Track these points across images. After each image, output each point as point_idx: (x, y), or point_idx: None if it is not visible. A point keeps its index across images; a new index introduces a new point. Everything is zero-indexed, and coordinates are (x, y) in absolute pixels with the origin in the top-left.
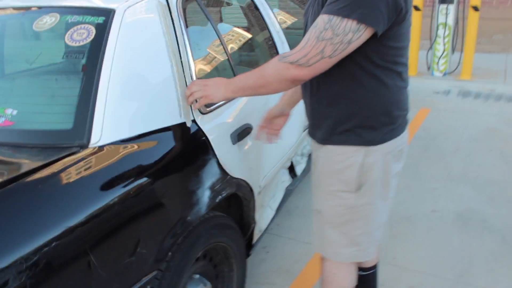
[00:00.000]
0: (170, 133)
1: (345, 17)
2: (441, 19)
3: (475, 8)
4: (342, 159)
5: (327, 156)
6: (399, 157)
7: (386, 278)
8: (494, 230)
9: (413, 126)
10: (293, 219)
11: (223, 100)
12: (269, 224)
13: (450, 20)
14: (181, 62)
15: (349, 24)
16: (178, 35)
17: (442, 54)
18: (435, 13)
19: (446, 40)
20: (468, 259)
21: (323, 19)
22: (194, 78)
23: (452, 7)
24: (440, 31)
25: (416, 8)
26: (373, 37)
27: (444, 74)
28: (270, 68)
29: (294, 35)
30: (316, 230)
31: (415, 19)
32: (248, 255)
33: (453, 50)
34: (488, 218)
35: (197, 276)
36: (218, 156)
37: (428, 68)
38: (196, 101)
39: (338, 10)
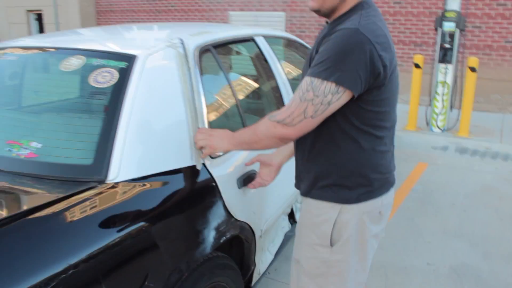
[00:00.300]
0: (181, 174)
1: (325, 79)
2: (440, 77)
3: (473, 69)
4: (319, 214)
5: (307, 209)
6: (378, 219)
7: None
8: (488, 286)
9: (411, 180)
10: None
11: (225, 152)
12: (267, 268)
13: (449, 79)
14: (195, 108)
15: (328, 86)
16: (193, 83)
17: (440, 111)
18: (435, 71)
19: (445, 97)
20: None
21: (306, 80)
22: (206, 124)
23: (451, 67)
24: (439, 89)
25: (417, 66)
26: (353, 100)
27: (443, 131)
28: (261, 126)
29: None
30: (293, 279)
31: (416, 76)
32: None
33: (451, 107)
34: (482, 273)
35: None
36: (224, 199)
37: (427, 124)
38: (202, 148)
39: (319, 72)
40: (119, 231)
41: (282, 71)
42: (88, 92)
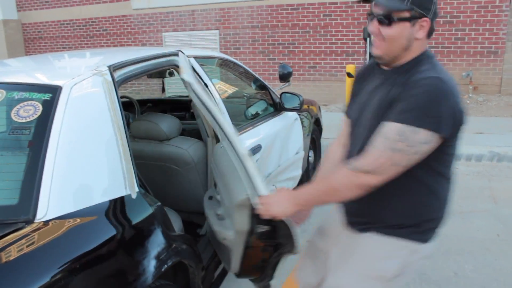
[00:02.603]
0: (115, 205)
1: (419, 127)
2: None
3: None
4: (387, 249)
5: (370, 243)
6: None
7: None
8: (431, 281)
9: None
10: (240, 285)
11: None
12: None
13: None
14: (126, 135)
15: (423, 134)
16: (122, 110)
17: None
18: None
19: None
20: None
21: (394, 129)
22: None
23: None
24: None
25: (349, 75)
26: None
27: None
28: (340, 177)
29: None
30: None
31: (349, 85)
32: None
33: None
34: (425, 269)
35: None
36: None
37: None
38: None
39: (412, 120)
40: (50, 271)
41: (214, 89)
42: (10, 127)
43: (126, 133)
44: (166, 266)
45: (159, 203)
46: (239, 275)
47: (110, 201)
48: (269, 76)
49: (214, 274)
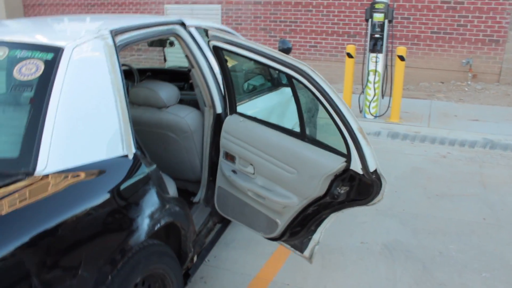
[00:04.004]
0: (111, 164)
1: None
2: (372, 66)
3: (401, 58)
4: None
5: None
6: None
7: None
8: (416, 259)
9: None
10: (230, 251)
11: None
12: (207, 256)
13: (380, 67)
14: (126, 99)
15: None
16: (122, 74)
17: (372, 98)
18: (366, 60)
19: (376, 85)
20: (393, 286)
21: None
22: None
23: (381, 56)
24: (371, 77)
25: (349, 56)
26: None
27: (375, 117)
28: None
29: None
30: None
31: (349, 65)
32: (186, 283)
33: (383, 95)
34: (411, 248)
35: None
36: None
37: (360, 111)
38: None
39: None
40: (49, 222)
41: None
42: (12, 84)
43: (125, 97)
44: (159, 225)
45: (155, 166)
46: (278, 238)
47: (107, 160)
48: None
49: (205, 240)
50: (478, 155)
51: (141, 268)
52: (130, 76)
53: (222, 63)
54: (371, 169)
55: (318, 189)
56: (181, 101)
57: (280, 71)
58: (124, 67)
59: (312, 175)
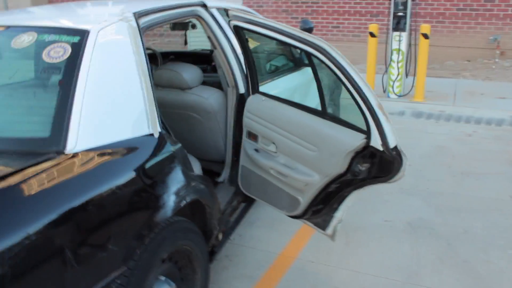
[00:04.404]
0: (138, 142)
1: None
2: (395, 45)
3: (425, 36)
4: None
5: None
6: None
7: (340, 281)
8: (440, 236)
9: None
10: (254, 230)
11: None
12: (231, 234)
13: (403, 46)
14: (150, 79)
15: None
16: (146, 55)
17: (396, 78)
18: (389, 40)
19: (400, 65)
20: (416, 263)
21: None
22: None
23: (404, 34)
24: (394, 57)
25: (372, 35)
26: None
27: (399, 96)
28: None
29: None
30: None
31: (371, 45)
32: (211, 260)
33: (406, 74)
34: (435, 226)
35: (163, 277)
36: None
37: (384, 91)
38: None
39: None
40: (80, 198)
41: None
42: (41, 67)
43: (150, 77)
44: (184, 202)
45: (180, 144)
46: (300, 216)
47: (134, 138)
48: None
49: (230, 218)
50: (505, 133)
51: (167, 244)
52: (154, 59)
53: (243, 42)
54: (391, 145)
55: (339, 166)
56: (205, 83)
57: (299, 48)
58: (147, 51)
59: (333, 152)
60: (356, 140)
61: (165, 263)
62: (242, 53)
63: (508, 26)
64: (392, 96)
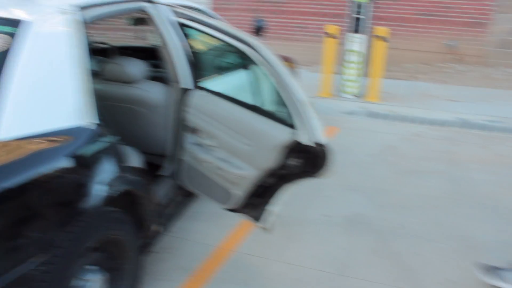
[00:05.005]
0: (69, 132)
1: None
2: (353, 46)
3: (381, 38)
4: None
5: None
6: None
7: (273, 273)
8: (375, 230)
9: None
10: (196, 223)
11: None
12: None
13: (361, 48)
14: (89, 72)
15: None
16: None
17: (353, 79)
18: (348, 41)
19: (357, 66)
20: (349, 255)
21: None
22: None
23: (362, 37)
24: (352, 58)
25: (329, 35)
26: None
27: (354, 97)
28: None
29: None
30: None
31: (331, 46)
32: (147, 251)
33: (364, 75)
34: (373, 221)
35: (94, 267)
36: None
37: (339, 91)
38: None
39: None
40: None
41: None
42: None
43: (89, 70)
44: (114, 192)
45: (115, 136)
46: (237, 209)
47: (66, 129)
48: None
49: (171, 212)
50: (451, 134)
51: (96, 233)
52: (110, 53)
53: (186, 39)
54: (319, 140)
55: (271, 160)
56: (156, 78)
57: (234, 45)
58: (102, 45)
59: (265, 146)
60: (286, 135)
61: (96, 252)
62: (185, 49)
63: (464, 32)
64: (348, 96)
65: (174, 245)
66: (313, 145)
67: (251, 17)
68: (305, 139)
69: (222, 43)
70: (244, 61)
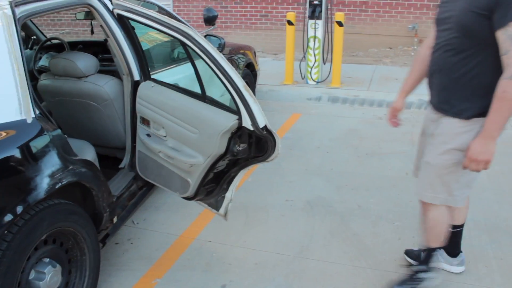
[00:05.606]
0: (6, 127)
1: None
2: (311, 33)
3: (339, 23)
4: (464, 125)
5: (451, 123)
6: None
7: (234, 257)
8: (335, 213)
9: (283, 129)
10: (159, 214)
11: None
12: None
13: (319, 34)
14: (23, 65)
15: None
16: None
17: (314, 65)
18: (306, 28)
19: (316, 52)
20: (309, 238)
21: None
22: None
23: (320, 22)
24: (311, 44)
25: (290, 23)
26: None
27: (317, 83)
28: (508, 90)
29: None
30: (424, 177)
31: (289, 33)
32: (105, 242)
33: (324, 61)
34: (333, 203)
35: (47, 259)
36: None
37: (303, 77)
38: None
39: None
40: None
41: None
42: None
43: (23, 64)
44: (60, 184)
45: (57, 129)
46: (193, 197)
47: (4, 123)
48: (221, 24)
49: (128, 202)
50: (413, 116)
51: (45, 226)
52: (62, 49)
53: (128, 31)
54: (261, 125)
55: (217, 146)
56: (110, 72)
57: (172, 36)
58: (55, 41)
59: (210, 133)
60: (229, 121)
61: (48, 244)
62: (129, 41)
63: (425, 16)
64: (311, 82)
65: (136, 235)
66: (256, 129)
67: (214, 7)
68: (248, 124)
69: (163, 34)
70: (188, 51)
